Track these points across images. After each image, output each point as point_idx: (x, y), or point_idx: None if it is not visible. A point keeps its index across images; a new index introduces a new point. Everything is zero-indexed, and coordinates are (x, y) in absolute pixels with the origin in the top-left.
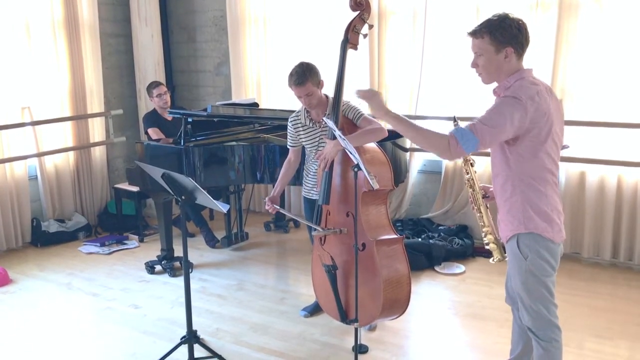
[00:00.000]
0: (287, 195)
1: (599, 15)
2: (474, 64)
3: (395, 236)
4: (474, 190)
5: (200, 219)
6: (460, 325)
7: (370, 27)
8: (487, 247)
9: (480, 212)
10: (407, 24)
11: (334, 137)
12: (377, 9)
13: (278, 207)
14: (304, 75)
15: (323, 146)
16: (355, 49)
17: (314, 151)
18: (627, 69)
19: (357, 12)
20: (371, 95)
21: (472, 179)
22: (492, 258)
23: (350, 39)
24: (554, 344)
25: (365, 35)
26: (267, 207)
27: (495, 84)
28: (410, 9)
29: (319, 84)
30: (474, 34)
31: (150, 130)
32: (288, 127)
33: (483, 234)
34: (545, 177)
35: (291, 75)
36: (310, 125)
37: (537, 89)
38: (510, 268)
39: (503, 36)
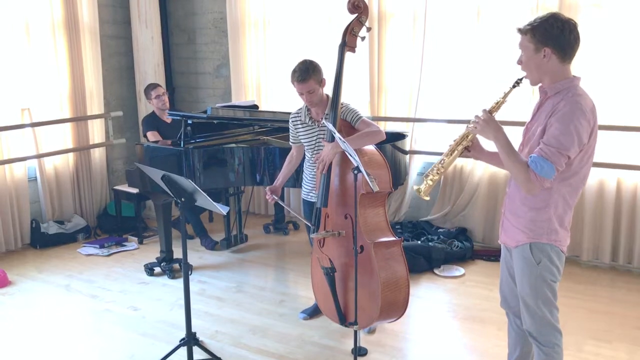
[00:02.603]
0: (286, 197)
1: (599, 18)
2: (519, 61)
3: (393, 238)
4: (466, 138)
5: (199, 226)
6: (459, 328)
7: (368, 29)
8: (426, 178)
9: (451, 155)
10: (407, 27)
11: (332, 140)
12: (377, 12)
13: (277, 198)
14: (307, 72)
15: (320, 146)
16: (354, 51)
17: (311, 151)
18: (626, 72)
19: (355, 15)
20: (487, 122)
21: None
22: (419, 187)
23: (348, 42)
24: (556, 349)
25: (363, 38)
26: (267, 197)
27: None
28: (410, 11)
29: (321, 82)
30: (520, 30)
31: (149, 134)
32: (289, 123)
33: (435, 170)
34: (578, 192)
35: (294, 71)
36: (310, 123)
37: (592, 102)
38: (517, 273)
39: (542, 35)
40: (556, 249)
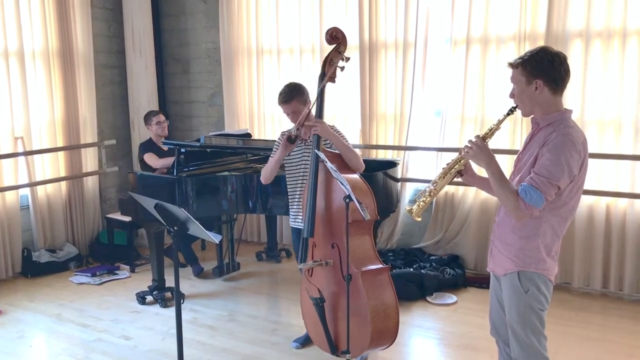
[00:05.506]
0: (278, 225)
1: (585, 50)
2: (511, 94)
3: (380, 266)
4: (459, 162)
5: (191, 254)
6: (452, 356)
7: (347, 60)
8: (418, 199)
9: (444, 178)
10: (398, 55)
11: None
12: (367, 41)
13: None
14: (290, 94)
15: (305, 165)
16: (334, 81)
17: (294, 170)
18: (613, 102)
19: (334, 46)
20: (481, 148)
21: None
22: (411, 208)
23: (327, 72)
24: None
25: (342, 68)
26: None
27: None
28: (400, 40)
29: (306, 103)
30: (511, 64)
31: (146, 156)
32: (278, 139)
33: (427, 192)
34: (567, 222)
35: (279, 93)
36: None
37: (583, 135)
38: (506, 301)
39: (534, 68)
40: (544, 278)
